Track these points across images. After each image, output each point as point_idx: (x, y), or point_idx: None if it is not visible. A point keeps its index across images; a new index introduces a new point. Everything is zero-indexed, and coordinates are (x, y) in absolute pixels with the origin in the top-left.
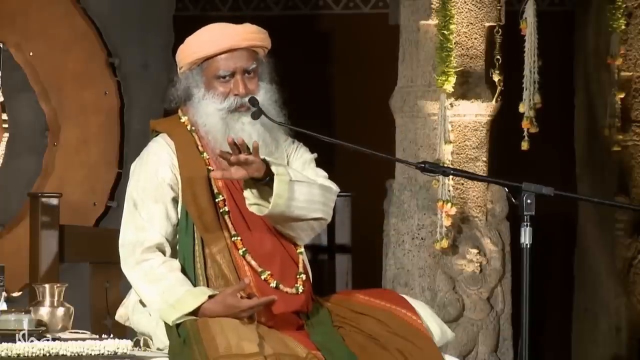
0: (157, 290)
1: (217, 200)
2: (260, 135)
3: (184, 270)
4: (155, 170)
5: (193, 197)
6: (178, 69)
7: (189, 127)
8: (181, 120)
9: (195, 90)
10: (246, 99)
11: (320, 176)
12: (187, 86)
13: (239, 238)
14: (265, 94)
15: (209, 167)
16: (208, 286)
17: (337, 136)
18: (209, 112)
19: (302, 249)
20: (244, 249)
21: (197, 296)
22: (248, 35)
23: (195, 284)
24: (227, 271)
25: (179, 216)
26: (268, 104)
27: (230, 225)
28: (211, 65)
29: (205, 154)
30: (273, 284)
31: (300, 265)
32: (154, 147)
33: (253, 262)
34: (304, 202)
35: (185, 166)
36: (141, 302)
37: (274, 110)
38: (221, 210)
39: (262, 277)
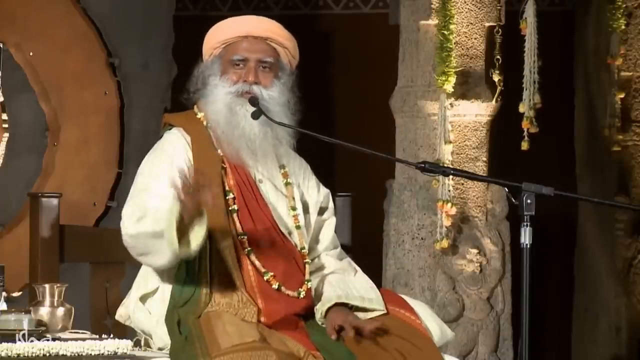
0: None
1: (227, 197)
2: (261, 130)
3: (189, 263)
4: (171, 161)
5: None
6: (203, 59)
7: (205, 123)
8: (197, 116)
9: (211, 79)
10: (254, 87)
11: (337, 242)
12: (206, 75)
13: (245, 237)
14: (277, 94)
15: (223, 165)
16: (212, 282)
17: (337, 136)
18: (217, 99)
19: (309, 259)
20: (249, 249)
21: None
22: (268, 26)
23: (199, 277)
24: (232, 268)
25: None
26: (274, 104)
27: (237, 224)
28: (228, 50)
29: (219, 151)
30: (275, 286)
31: (307, 272)
32: (171, 138)
33: (257, 262)
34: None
35: (199, 161)
36: (141, 300)
37: (281, 111)
38: (230, 208)
39: (265, 278)
